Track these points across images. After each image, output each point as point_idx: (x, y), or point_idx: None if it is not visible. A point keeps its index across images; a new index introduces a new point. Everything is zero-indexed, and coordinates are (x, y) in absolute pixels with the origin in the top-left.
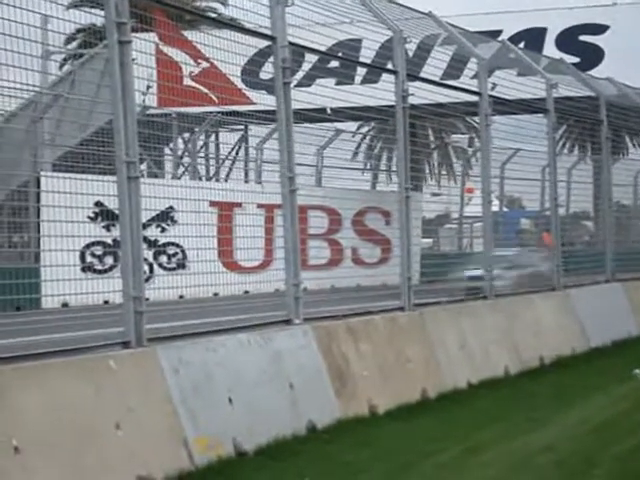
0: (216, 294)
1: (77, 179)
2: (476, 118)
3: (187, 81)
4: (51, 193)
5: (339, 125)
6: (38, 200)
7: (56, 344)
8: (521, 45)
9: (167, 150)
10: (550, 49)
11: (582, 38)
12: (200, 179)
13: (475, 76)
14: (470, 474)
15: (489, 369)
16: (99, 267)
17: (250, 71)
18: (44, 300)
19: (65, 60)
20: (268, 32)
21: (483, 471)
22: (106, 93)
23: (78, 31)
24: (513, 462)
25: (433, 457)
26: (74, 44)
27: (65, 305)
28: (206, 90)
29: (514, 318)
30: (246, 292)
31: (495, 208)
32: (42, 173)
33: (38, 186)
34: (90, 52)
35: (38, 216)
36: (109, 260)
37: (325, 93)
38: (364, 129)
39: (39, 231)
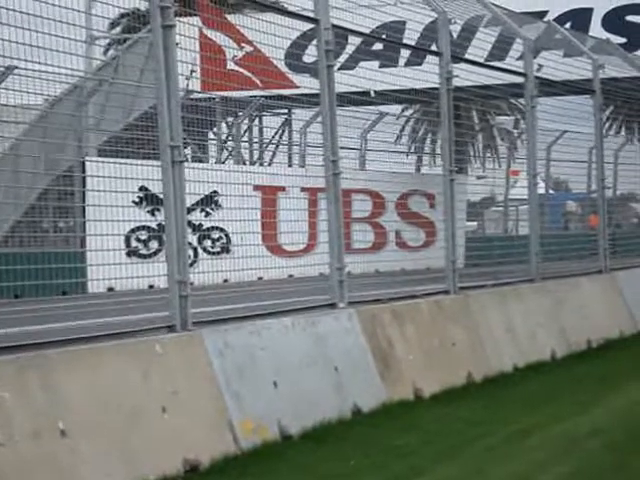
0: (260, 278)
1: (122, 164)
2: (521, 100)
3: (230, 65)
4: (96, 178)
5: (383, 108)
6: (84, 185)
7: (102, 328)
8: (567, 26)
9: (211, 134)
10: (596, 29)
11: (629, 18)
12: (244, 163)
13: (520, 57)
14: (518, 458)
15: (535, 352)
16: (144, 251)
17: (293, 54)
18: (90, 284)
19: (109, 45)
20: (311, 15)
21: (531, 454)
22: (150, 77)
23: (122, 16)
24: (561, 445)
25: (480, 441)
26: (118, 29)
27: (111, 289)
28: (249, 74)
29: (561, 301)
30: (290, 276)
31: (541, 190)
32: (87, 158)
33: (83, 171)
34: (134, 37)
35: (84, 201)
36: (154, 244)
37: (369, 76)
38: (408, 112)
39: (84, 216)
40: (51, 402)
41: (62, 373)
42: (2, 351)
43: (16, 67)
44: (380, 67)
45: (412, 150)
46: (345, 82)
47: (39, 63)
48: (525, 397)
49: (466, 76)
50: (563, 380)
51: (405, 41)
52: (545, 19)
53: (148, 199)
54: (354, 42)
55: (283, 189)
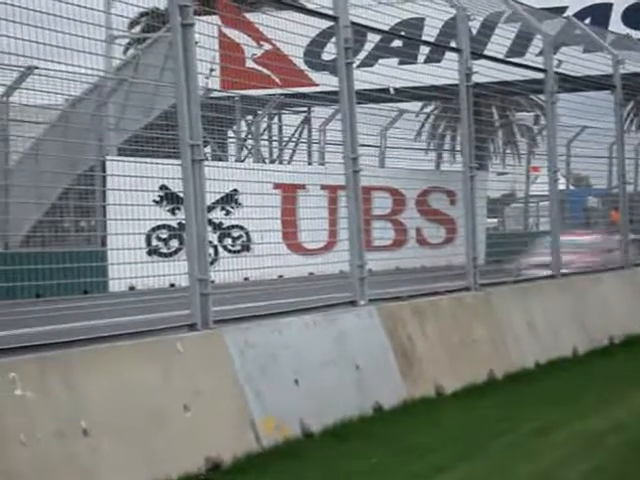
0: (281, 276)
1: (142, 163)
2: (541, 96)
3: (249, 63)
4: (117, 177)
5: (402, 105)
6: (104, 184)
7: (124, 327)
8: (587, 21)
9: (230, 133)
10: (616, 25)
11: None
12: (263, 161)
13: (540, 53)
14: (540, 455)
15: (557, 349)
16: (164, 250)
17: (312, 52)
18: (111, 283)
19: (129, 44)
20: (330, 12)
21: (553, 452)
22: (170, 76)
23: (141, 15)
24: (583, 442)
25: (502, 438)
26: (138, 28)
27: (132, 288)
28: (268, 72)
29: (582, 297)
30: (310, 274)
31: (562, 186)
32: (108, 157)
33: (104, 170)
34: (154, 36)
35: (104, 200)
36: (174, 243)
37: (388, 73)
38: (428, 109)
39: (105, 215)
40: (73, 401)
41: (84, 372)
42: (24, 350)
43: (36, 67)
44: (399, 64)
45: (432, 147)
46: (364, 79)
47: (59, 63)
48: (547, 394)
49: (486, 72)
50: (585, 376)
51: (424, 38)
52: (565, 14)
53: (168, 198)
54: (373, 39)
55: (303, 187)
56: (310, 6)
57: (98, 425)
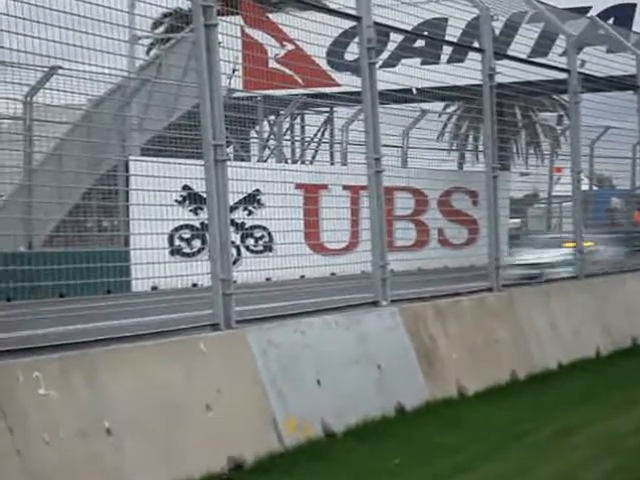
0: (303, 276)
1: (165, 163)
2: (565, 96)
3: (272, 64)
4: (140, 177)
5: (425, 105)
6: (127, 184)
7: (146, 327)
8: (610, 21)
9: (253, 133)
10: None
11: None
12: (286, 162)
13: (564, 53)
14: (561, 456)
15: (580, 350)
16: (187, 250)
17: (335, 52)
18: (134, 283)
19: (152, 44)
20: (353, 12)
21: (574, 453)
22: (193, 77)
23: (165, 15)
24: (605, 444)
25: (524, 438)
26: (161, 28)
27: (154, 288)
28: (291, 72)
29: (605, 298)
30: (332, 274)
31: (585, 187)
32: (131, 157)
33: (127, 170)
34: (177, 36)
35: (127, 200)
36: (197, 243)
37: (411, 73)
38: (450, 109)
39: (128, 215)
40: (96, 401)
41: (107, 372)
42: (48, 350)
43: (60, 67)
44: (422, 64)
45: (454, 147)
46: (387, 79)
47: (83, 63)
48: (569, 395)
49: (509, 72)
50: (607, 377)
51: (447, 38)
52: (588, 15)
53: (191, 198)
54: (396, 39)
55: (325, 187)
56: (333, 6)
57: (121, 424)
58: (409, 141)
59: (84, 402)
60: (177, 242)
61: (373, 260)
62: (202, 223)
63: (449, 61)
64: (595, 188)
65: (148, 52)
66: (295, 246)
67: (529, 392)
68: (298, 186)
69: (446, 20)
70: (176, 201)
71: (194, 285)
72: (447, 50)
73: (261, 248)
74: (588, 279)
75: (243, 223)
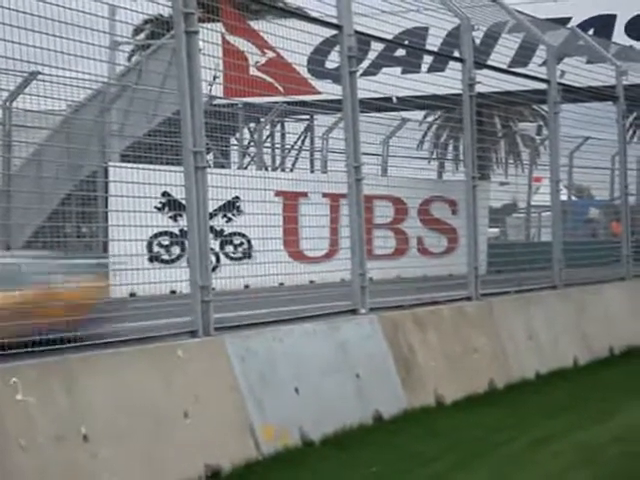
0: (281, 284)
1: (144, 169)
2: (544, 106)
3: (253, 71)
4: (119, 183)
5: (405, 114)
6: (106, 190)
7: (124, 333)
8: (590, 32)
9: (233, 140)
10: (620, 36)
11: None
12: (266, 169)
13: (543, 63)
14: (540, 465)
15: (558, 359)
16: (166, 257)
17: (316, 60)
18: (112, 290)
19: (133, 51)
20: (334, 21)
21: (553, 462)
22: (173, 83)
23: (145, 22)
24: (583, 453)
25: (502, 447)
26: (142, 35)
27: (132, 295)
28: (272, 80)
29: (583, 308)
30: (311, 282)
31: (564, 197)
32: (110, 163)
33: (106, 176)
34: (157, 43)
35: (106, 206)
36: (176, 250)
37: (391, 82)
38: (430, 118)
39: (107, 221)
40: (74, 407)
41: (85, 378)
42: (26, 355)
43: (39, 73)
44: (402, 73)
45: (434, 156)
46: (367, 88)
47: (63, 69)
48: (547, 404)
49: (489, 82)
50: (585, 387)
51: (428, 47)
52: (568, 25)
53: (170, 204)
54: (377, 48)
55: (305, 195)
56: (314, 14)
57: (98, 431)
58: (389, 149)
59: (62, 408)
60: (156, 249)
61: (352, 268)
62: (181, 230)
63: (429, 70)
64: (574, 198)
65: (129, 58)
66: (274, 253)
67: (507, 401)
68: (278, 193)
69: (427, 29)
70: (155, 207)
71: (172, 292)
72: (427, 59)
73: (240, 255)
74: (567, 288)
75: (222, 230)
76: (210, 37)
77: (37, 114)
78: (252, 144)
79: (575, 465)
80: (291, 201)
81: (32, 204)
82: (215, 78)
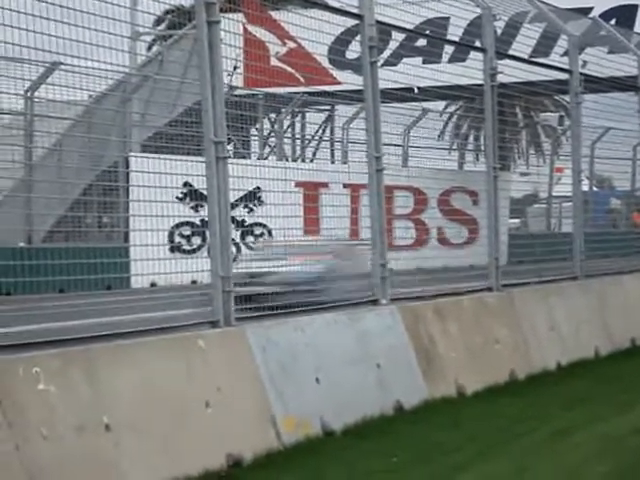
0: None
1: (166, 159)
2: (566, 96)
3: (274, 61)
4: (140, 173)
5: (426, 104)
6: (127, 180)
7: (146, 323)
8: (612, 22)
9: (254, 130)
10: None
11: None
12: (286, 159)
13: (565, 53)
14: (560, 456)
15: (579, 350)
16: (187, 247)
17: (337, 50)
18: (133, 279)
19: (154, 41)
20: (355, 10)
21: (573, 453)
22: (194, 73)
23: (167, 12)
24: (603, 444)
25: (523, 438)
26: (163, 25)
27: (153, 285)
28: (292, 70)
29: (604, 299)
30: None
31: (585, 188)
32: (131, 154)
33: (127, 166)
34: (178, 33)
35: (127, 196)
36: (197, 240)
37: (412, 72)
38: (451, 108)
39: (128, 211)
40: (96, 396)
41: (106, 368)
42: (48, 345)
43: (62, 63)
44: (423, 63)
45: (455, 147)
46: (388, 78)
47: (84, 59)
48: (568, 395)
49: (510, 72)
50: (606, 378)
51: (449, 37)
52: (590, 15)
53: (191, 195)
54: (397, 38)
55: (325, 185)
56: (335, 4)
57: (120, 420)
58: (410, 140)
59: (83, 398)
60: (177, 239)
61: (373, 259)
62: (202, 220)
63: (451, 60)
64: (595, 189)
65: (149, 48)
66: None
67: (528, 392)
68: (298, 184)
69: (448, 19)
70: (176, 198)
71: (193, 282)
72: (449, 49)
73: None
74: (588, 279)
75: (243, 220)
76: (231, 27)
77: (59, 104)
78: (272, 134)
79: (596, 456)
80: (311, 191)
81: (54, 194)
82: (236, 68)
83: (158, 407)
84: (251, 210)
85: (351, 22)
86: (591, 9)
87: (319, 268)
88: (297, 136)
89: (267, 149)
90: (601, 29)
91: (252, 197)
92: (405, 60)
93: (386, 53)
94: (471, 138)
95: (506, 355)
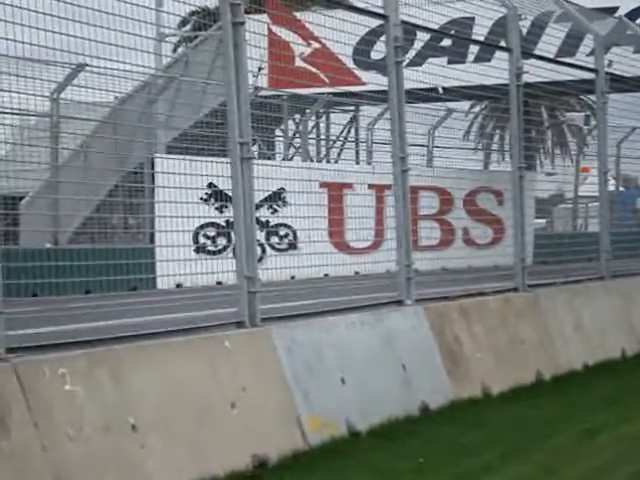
0: (326, 275)
1: (191, 160)
2: (592, 96)
3: (298, 62)
4: (165, 174)
5: (451, 104)
6: (153, 181)
7: (171, 324)
8: (638, 21)
9: (278, 131)
10: None
11: None
12: (311, 160)
13: (591, 53)
14: (585, 458)
15: (605, 351)
16: (212, 248)
17: (361, 51)
18: (159, 280)
19: (179, 42)
20: (380, 11)
21: (599, 455)
22: (219, 75)
23: (192, 13)
24: (630, 446)
25: (549, 440)
26: (188, 26)
27: (179, 286)
28: (317, 71)
29: (631, 299)
30: (356, 273)
31: (611, 187)
32: (157, 155)
33: (153, 168)
34: (204, 34)
35: (153, 197)
36: (222, 241)
37: (437, 72)
38: (477, 108)
39: (154, 212)
40: (122, 397)
41: (132, 368)
42: (74, 346)
43: (87, 64)
44: (448, 63)
45: (480, 147)
46: (413, 78)
47: (110, 60)
48: (594, 396)
49: (536, 72)
50: (633, 379)
51: (474, 37)
52: (616, 15)
53: (216, 196)
54: (422, 38)
55: (350, 186)
56: (360, 5)
57: (146, 421)
58: (435, 140)
59: (109, 398)
60: (202, 240)
61: (398, 259)
62: (227, 221)
63: (476, 60)
64: (621, 189)
65: (175, 50)
66: (319, 244)
67: (554, 393)
68: (323, 185)
69: (473, 19)
70: (201, 199)
71: (219, 283)
72: (474, 49)
73: (285, 246)
74: (614, 279)
75: (268, 221)
76: (256, 28)
77: (84, 106)
78: (297, 135)
79: (622, 458)
80: (336, 192)
81: (80, 195)
82: (260, 69)
83: (184, 408)
84: (275, 211)
85: (376, 22)
86: (617, 8)
87: None
88: (322, 137)
89: (292, 150)
90: (627, 28)
91: (277, 198)
92: (430, 60)
93: (411, 53)
94: (496, 138)
95: (532, 356)
